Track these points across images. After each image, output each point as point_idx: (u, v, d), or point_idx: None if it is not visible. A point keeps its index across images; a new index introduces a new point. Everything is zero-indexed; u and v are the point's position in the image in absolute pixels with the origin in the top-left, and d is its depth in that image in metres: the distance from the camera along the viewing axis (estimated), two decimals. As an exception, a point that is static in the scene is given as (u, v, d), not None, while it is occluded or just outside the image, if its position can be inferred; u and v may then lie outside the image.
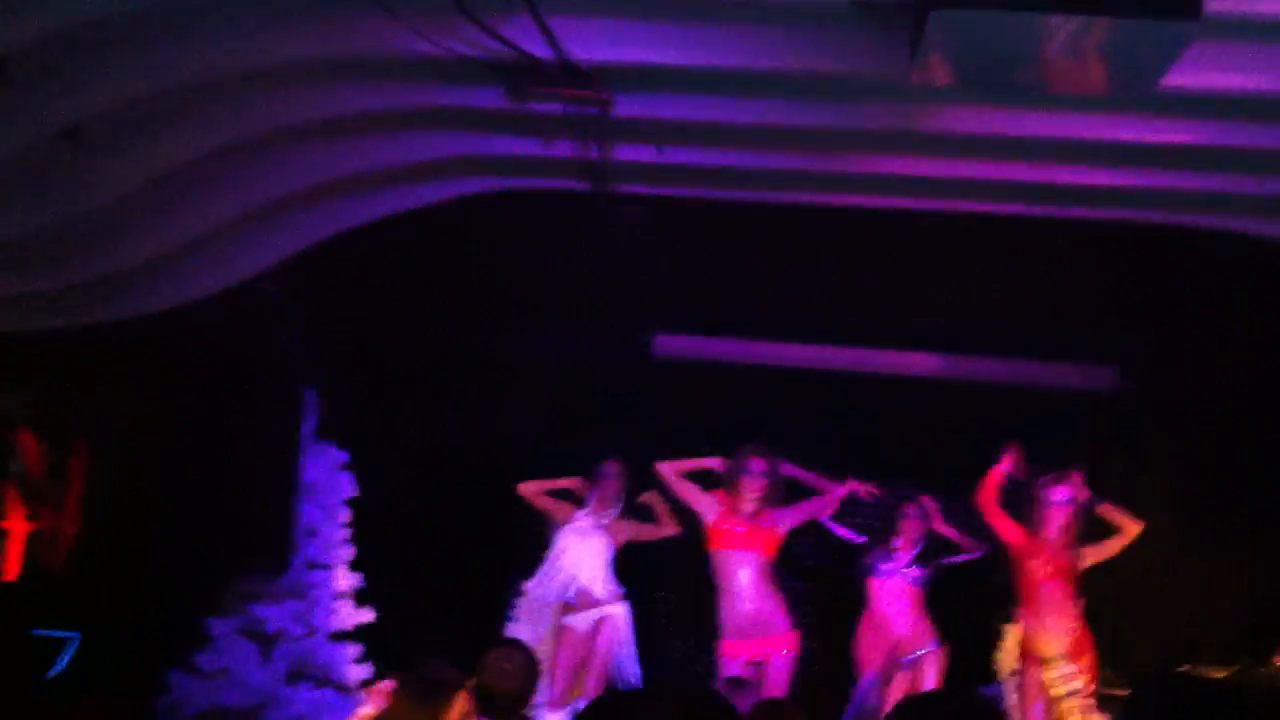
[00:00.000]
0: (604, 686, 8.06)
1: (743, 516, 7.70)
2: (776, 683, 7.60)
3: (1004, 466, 7.54)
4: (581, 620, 8.15)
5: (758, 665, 7.69)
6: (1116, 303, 8.09)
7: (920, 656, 7.95)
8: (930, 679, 7.86)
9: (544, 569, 8.33)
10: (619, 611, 8.15)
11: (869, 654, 7.97)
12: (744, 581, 7.70)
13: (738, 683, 5.56)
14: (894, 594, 7.99)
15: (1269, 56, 5.23)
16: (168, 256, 6.14)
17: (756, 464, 7.69)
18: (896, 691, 7.78)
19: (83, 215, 5.68)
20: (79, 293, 6.18)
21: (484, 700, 4.71)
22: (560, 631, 8.20)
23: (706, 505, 7.82)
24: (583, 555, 8.13)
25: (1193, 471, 8.80)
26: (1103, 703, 7.91)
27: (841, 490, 8.04)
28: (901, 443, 9.65)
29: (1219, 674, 7.73)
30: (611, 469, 8.19)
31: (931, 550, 8.03)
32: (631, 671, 8.10)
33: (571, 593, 8.13)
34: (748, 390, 9.15)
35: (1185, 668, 8.06)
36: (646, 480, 8.49)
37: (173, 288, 6.54)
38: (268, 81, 5.56)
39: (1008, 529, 7.52)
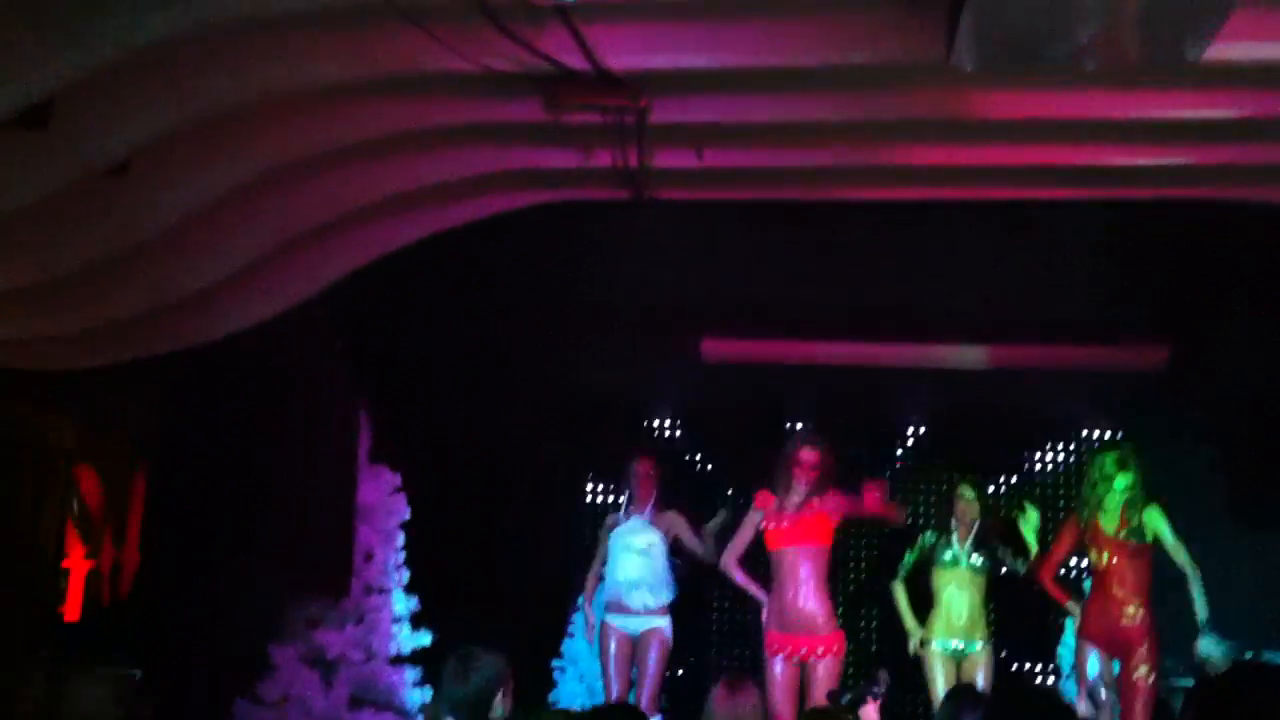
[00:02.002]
0: (655, 702, 8.04)
1: (789, 511, 7.69)
2: (820, 683, 7.56)
3: None
4: (628, 623, 8.12)
5: (800, 664, 7.67)
6: (1164, 281, 8.03)
7: (977, 647, 7.86)
8: (981, 674, 7.80)
9: (595, 575, 8.36)
10: (664, 626, 8.12)
11: None
12: (794, 575, 7.68)
13: (735, 686, 5.54)
14: (956, 584, 7.91)
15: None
16: (218, 285, 6.19)
17: (809, 455, 7.69)
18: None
19: (131, 248, 5.74)
20: (131, 326, 6.23)
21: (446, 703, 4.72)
22: (604, 632, 8.19)
23: (751, 527, 7.85)
24: (631, 558, 8.12)
25: (1245, 449, 8.72)
26: (1166, 693, 7.83)
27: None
28: (952, 434, 9.64)
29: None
30: (644, 467, 8.17)
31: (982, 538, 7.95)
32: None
33: (619, 597, 8.12)
34: (796, 390, 9.16)
35: (1250, 653, 7.95)
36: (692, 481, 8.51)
37: (225, 316, 6.59)
38: (306, 104, 5.61)
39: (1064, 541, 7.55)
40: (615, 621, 8.12)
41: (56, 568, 7.70)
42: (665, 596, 8.12)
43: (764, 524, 7.79)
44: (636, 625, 8.08)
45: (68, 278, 5.69)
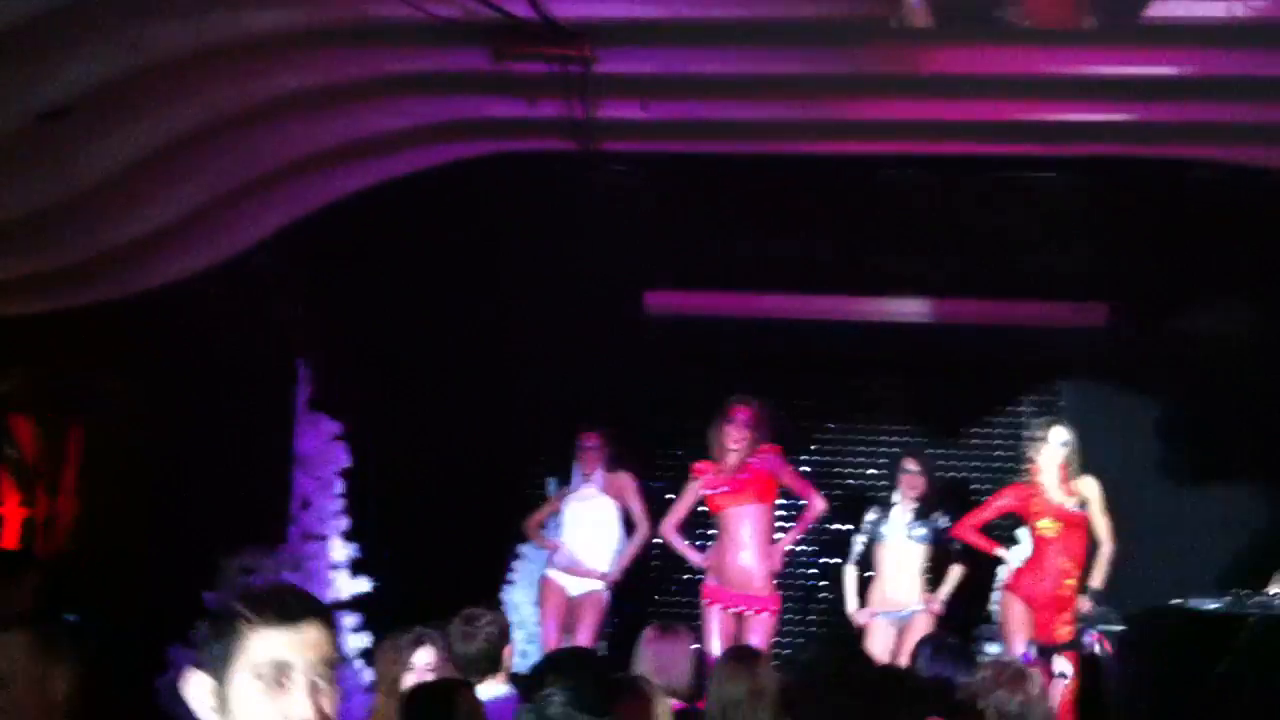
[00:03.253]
0: None
1: (727, 474, 7.75)
2: (756, 640, 7.64)
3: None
4: (569, 582, 8.21)
5: (736, 617, 7.78)
6: (1106, 238, 8.11)
7: (909, 615, 7.98)
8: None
9: (555, 542, 8.41)
10: (603, 593, 8.22)
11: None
12: (734, 534, 7.77)
13: (666, 629, 5.62)
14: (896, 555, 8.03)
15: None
16: (159, 233, 6.09)
17: (741, 413, 7.74)
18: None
19: (72, 195, 5.62)
20: (71, 273, 6.12)
21: (457, 663, 4.80)
22: (544, 584, 8.30)
23: (691, 498, 7.92)
24: (584, 523, 8.22)
25: (1185, 405, 8.87)
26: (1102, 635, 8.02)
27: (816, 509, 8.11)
28: (897, 388, 9.72)
29: (1213, 605, 7.80)
30: (590, 441, 8.26)
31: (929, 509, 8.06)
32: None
33: (568, 559, 8.22)
34: (741, 342, 9.18)
35: (1178, 600, 8.14)
36: (639, 439, 8.53)
37: (165, 265, 6.49)
38: (251, 53, 5.51)
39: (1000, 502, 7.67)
40: (557, 578, 8.23)
41: (-9, 515, 7.60)
42: (610, 566, 8.22)
43: (703, 490, 7.86)
44: (577, 587, 8.20)
45: (6, 225, 5.58)
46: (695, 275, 8.83)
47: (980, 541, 7.82)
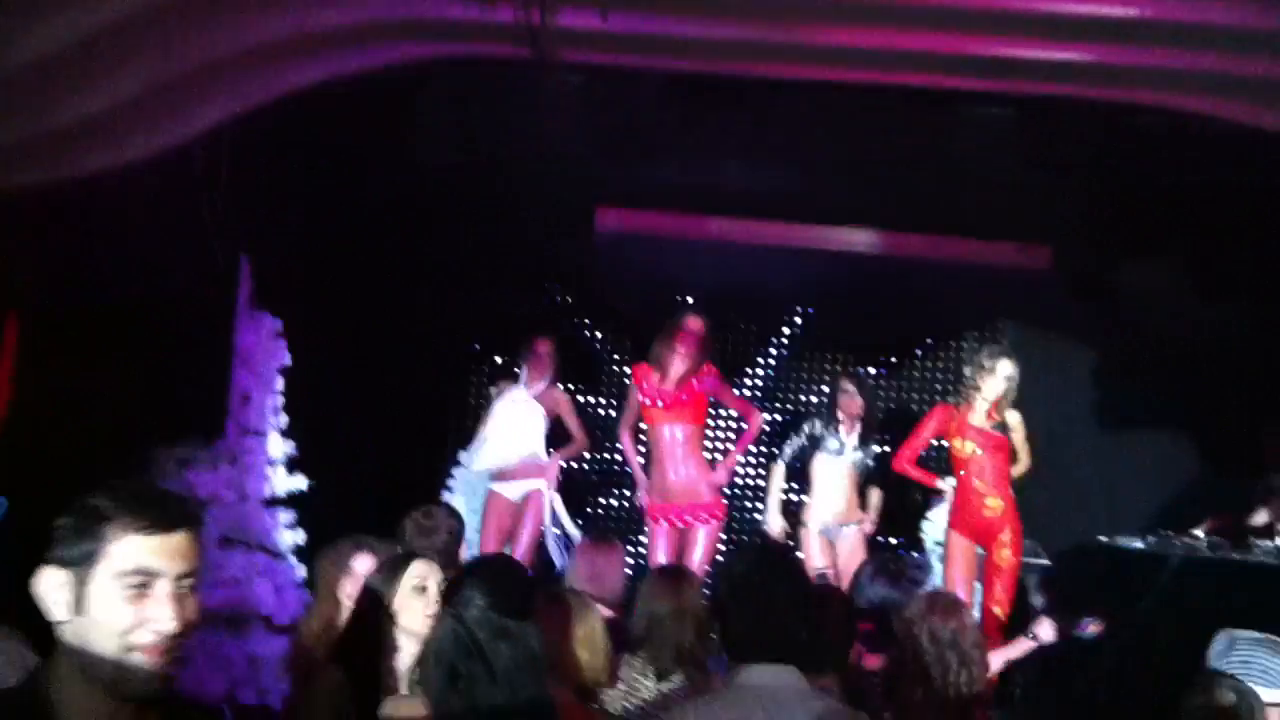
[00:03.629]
0: (527, 560, 8.19)
1: (669, 388, 7.79)
2: (700, 549, 7.78)
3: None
4: (510, 489, 8.27)
5: (681, 530, 7.86)
6: (1054, 180, 8.12)
7: (849, 530, 8.12)
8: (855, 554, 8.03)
9: (478, 440, 8.43)
10: (544, 487, 8.27)
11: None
12: (673, 449, 7.84)
13: (599, 540, 5.70)
14: (831, 472, 8.14)
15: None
16: (98, 119, 5.94)
17: (693, 325, 7.78)
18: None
19: (6, 77, 5.49)
20: (4, 155, 5.99)
21: None
22: (489, 498, 8.36)
23: (635, 401, 7.94)
24: (516, 427, 8.24)
25: (1121, 351, 8.95)
26: (1025, 572, 8.14)
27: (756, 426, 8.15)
28: (839, 317, 9.76)
29: (1137, 544, 7.93)
30: (543, 348, 8.28)
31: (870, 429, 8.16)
32: (555, 548, 8.25)
33: (502, 463, 8.24)
34: (687, 264, 9.17)
35: (1104, 539, 8.26)
36: (585, 353, 8.54)
37: (104, 153, 6.34)
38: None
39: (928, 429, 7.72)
40: (498, 488, 8.27)
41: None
42: (541, 459, 8.26)
43: (641, 398, 7.89)
44: (516, 490, 8.23)
45: (-64, 103, 5.45)
46: (645, 194, 8.79)
47: (920, 475, 7.90)
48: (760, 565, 3.50)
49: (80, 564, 2.17)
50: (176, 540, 2.20)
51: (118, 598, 2.17)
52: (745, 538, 9.76)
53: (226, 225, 7.71)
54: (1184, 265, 8.30)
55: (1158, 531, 7.94)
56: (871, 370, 8.70)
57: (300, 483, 8.98)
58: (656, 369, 7.83)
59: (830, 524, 8.09)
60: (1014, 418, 7.57)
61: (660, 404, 7.83)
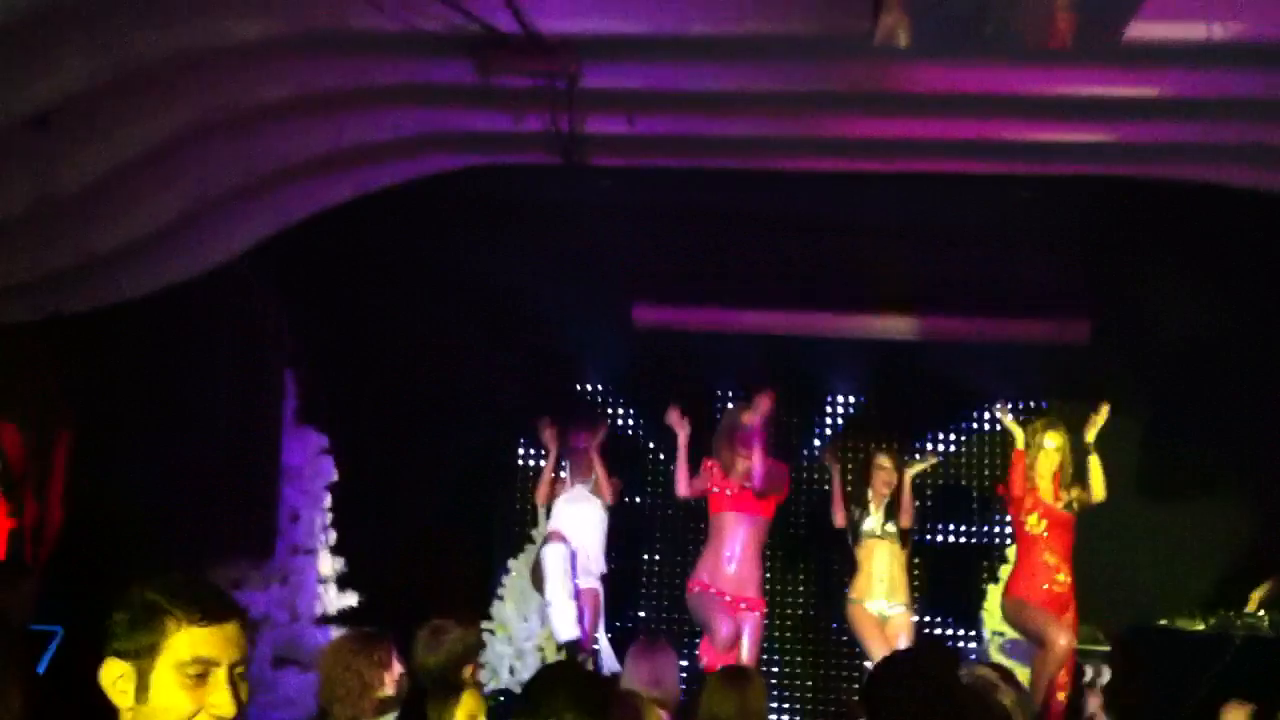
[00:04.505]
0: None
1: (736, 478, 7.84)
2: (748, 642, 7.76)
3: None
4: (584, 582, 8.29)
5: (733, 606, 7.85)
6: (1088, 256, 8.14)
7: (897, 611, 8.03)
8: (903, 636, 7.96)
9: (541, 543, 8.44)
10: (598, 590, 8.28)
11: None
12: (734, 541, 7.85)
13: (653, 642, 5.67)
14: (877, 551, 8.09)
15: (1227, 5, 5.28)
16: (141, 241, 6.10)
17: (747, 418, 7.85)
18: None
19: (52, 201, 5.65)
20: (53, 281, 6.14)
21: (419, 672, 4.81)
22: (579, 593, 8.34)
23: (702, 483, 7.97)
24: (577, 524, 8.28)
25: (1166, 422, 8.88)
26: (1083, 658, 8.01)
27: None
28: (879, 404, 9.74)
29: (1198, 626, 7.80)
30: (583, 442, 8.31)
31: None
32: (607, 650, 8.24)
33: (569, 559, 8.26)
34: (725, 357, 9.21)
35: (1163, 621, 8.13)
36: (622, 445, 8.58)
37: (148, 273, 6.51)
38: (234, 61, 5.54)
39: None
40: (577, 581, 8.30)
41: (-27, 525, 7.59)
42: (602, 564, 8.29)
43: (710, 486, 7.94)
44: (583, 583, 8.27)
45: (-12, 231, 5.60)
46: (680, 289, 8.86)
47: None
48: (920, 668, 3.47)
49: (142, 656, 2.31)
50: (229, 630, 2.35)
51: (178, 686, 2.30)
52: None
53: (271, 340, 7.84)
54: (1224, 334, 8.26)
55: (1217, 611, 7.81)
56: (913, 455, 8.62)
57: (351, 600, 9.00)
58: (722, 460, 7.91)
59: (879, 603, 8.01)
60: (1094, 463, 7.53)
61: (728, 492, 7.90)
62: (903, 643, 7.85)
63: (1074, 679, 7.68)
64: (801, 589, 9.91)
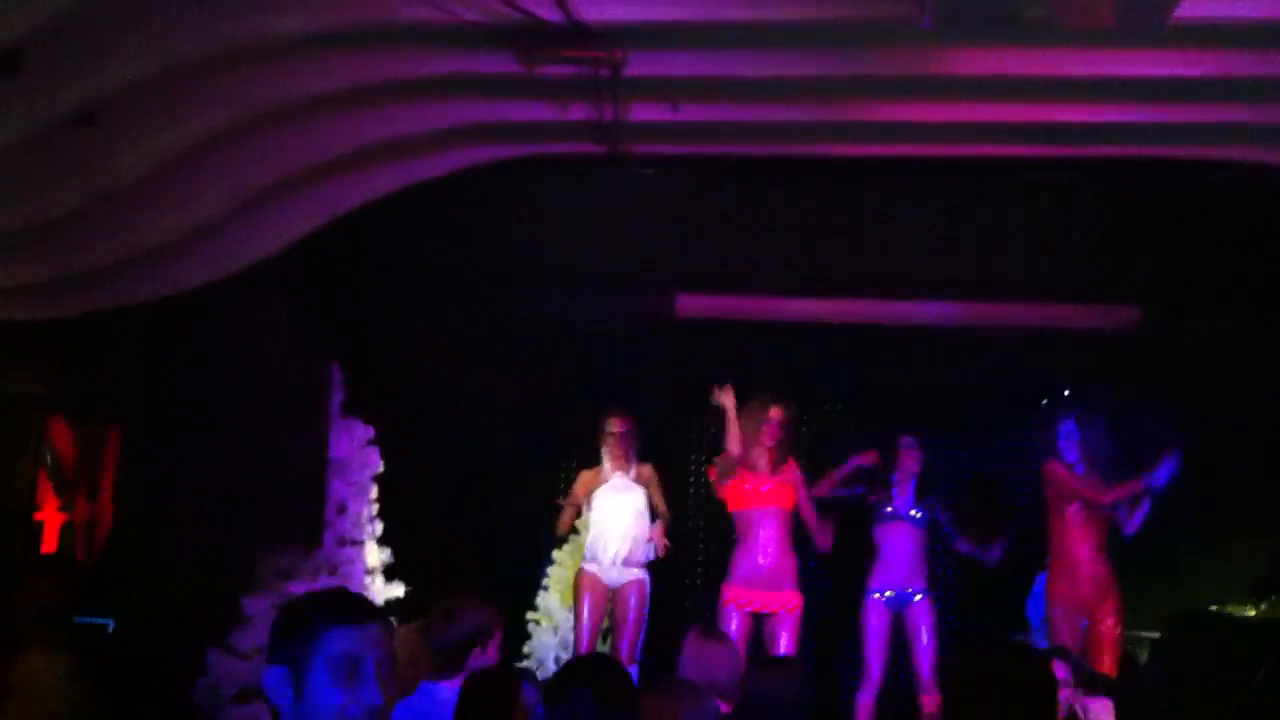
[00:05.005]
0: (633, 651, 8.13)
1: (762, 473, 7.82)
2: (783, 640, 7.72)
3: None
4: (606, 573, 8.19)
5: (760, 617, 7.82)
6: (1136, 240, 8.04)
7: (918, 598, 8.00)
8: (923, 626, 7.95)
9: (592, 536, 8.39)
10: (644, 578, 8.23)
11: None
12: (762, 537, 7.82)
13: (707, 631, 5.66)
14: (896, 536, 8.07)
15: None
16: (190, 235, 6.17)
17: (775, 413, 7.81)
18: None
19: (100, 197, 5.71)
20: (103, 275, 6.21)
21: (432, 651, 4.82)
22: (581, 578, 8.25)
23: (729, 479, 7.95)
24: (617, 514, 8.19)
25: (1216, 406, 8.80)
26: (1132, 645, 7.96)
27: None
28: (926, 392, 9.67)
29: (1250, 612, 7.73)
30: (618, 427, 8.24)
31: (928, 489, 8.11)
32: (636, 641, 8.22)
33: (603, 550, 8.20)
34: (770, 346, 9.17)
35: (1215, 607, 8.07)
36: (664, 437, 8.57)
37: (198, 267, 6.57)
38: (276, 55, 5.57)
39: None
40: (594, 570, 8.20)
41: (29, 519, 7.69)
42: (646, 551, 8.22)
43: (732, 481, 7.90)
44: (617, 576, 8.17)
45: (38, 227, 5.67)
46: (725, 278, 8.83)
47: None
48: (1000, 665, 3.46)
49: (298, 659, 2.51)
50: (373, 630, 2.56)
51: (331, 684, 2.49)
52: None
53: (317, 332, 7.88)
54: (1277, 318, 8.17)
55: (1269, 597, 7.74)
56: (957, 444, 8.58)
57: (398, 590, 9.04)
58: (746, 459, 7.87)
59: (893, 591, 7.97)
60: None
61: (750, 487, 7.85)
62: (923, 632, 7.87)
63: (1124, 665, 7.63)
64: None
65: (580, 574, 8.26)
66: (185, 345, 7.19)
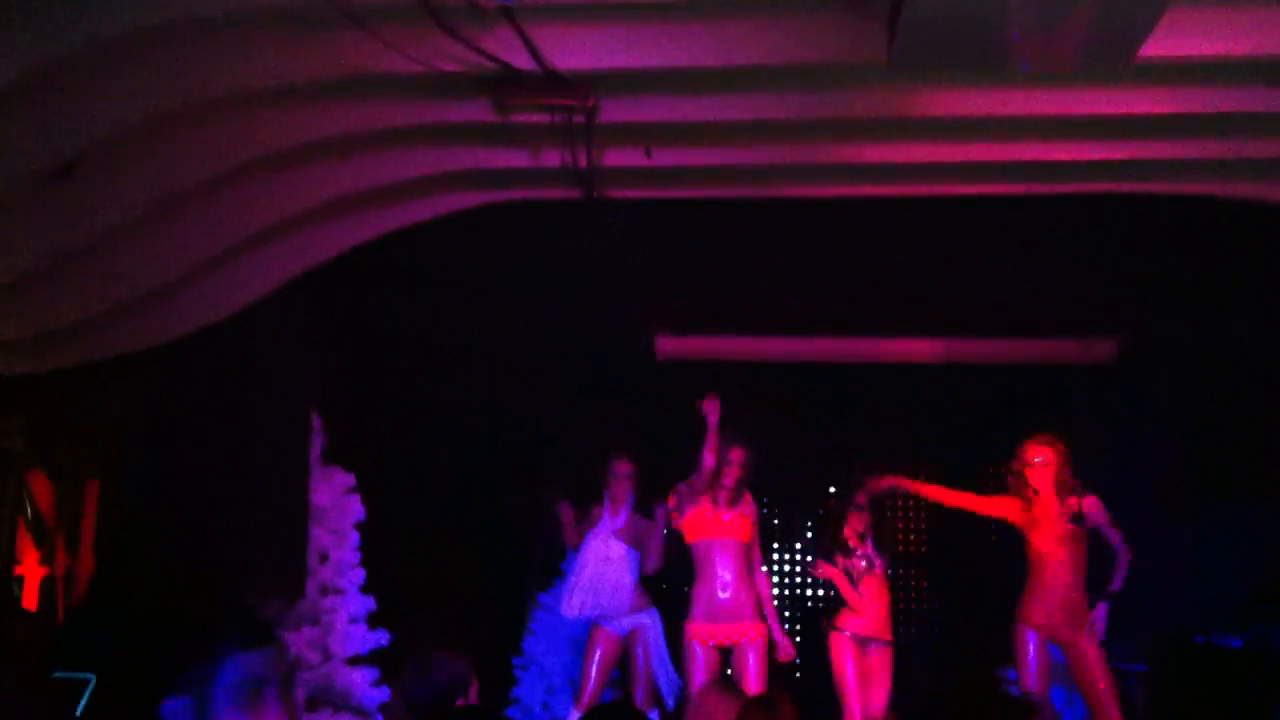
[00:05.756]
0: (650, 696, 8.14)
1: (722, 505, 7.84)
2: (751, 669, 7.73)
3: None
4: (615, 626, 8.22)
5: (723, 650, 7.82)
6: (1111, 275, 8.12)
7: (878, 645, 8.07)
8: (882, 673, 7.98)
9: (567, 583, 8.39)
10: (649, 621, 8.23)
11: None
12: (719, 568, 7.83)
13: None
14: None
15: (1241, 20, 5.29)
16: (167, 286, 6.17)
17: (736, 454, 7.82)
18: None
19: (77, 248, 5.70)
20: (79, 328, 6.20)
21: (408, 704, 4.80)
22: (593, 631, 8.29)
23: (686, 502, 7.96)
24: (606, 567, 8.21)
25: (1196, 437, 8.85)
26: (1120, 677, 7.95)
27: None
28: (906, 429, 9.72)
29: (1235, 641, 7.75)
30: (623, 469, 8.28)
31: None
32: (665, 678, 8.18)
33: (596, 607, 8.21)
34: (752, 386, 9.20)
35: (1203, 639, 8.08)
36: (653, 481, 8.57)
37: (176, 317, 6.57)
38: (252, 106, 5.60)
39: (1002, 506, 7.68)
40: (603, 622, 8.25)
41: (8, 574, 7.64)
42: (643, 596, 8.26)
43: (691, 511, 7.91)
44: (623, 624, 8.21)
45: (14, 280, 5.66)
46: (702, 319, 8.87)
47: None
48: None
49: (199, 686, 2.53)
50: (273, 653, 2.58)
51: (235, 708, 2.51)
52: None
53: (296, 381, 7.87)
54: (1253, 348, 8.23)
55: (1255, 626, 7.75)
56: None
57: (383, 639, 8.99)
58: (708, 495, 7.90)
59: (867, 634, 8.05)
60: (1093, 505, 7.49)
61: (709, 517, 7.88)
62: (882, 676, 7.90)
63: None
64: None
65: (594, 630, 8.34)
66: (162, 397, 7.17)
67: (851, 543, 8.11)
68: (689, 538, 8.00)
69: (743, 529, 7.89)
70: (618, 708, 5.00)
